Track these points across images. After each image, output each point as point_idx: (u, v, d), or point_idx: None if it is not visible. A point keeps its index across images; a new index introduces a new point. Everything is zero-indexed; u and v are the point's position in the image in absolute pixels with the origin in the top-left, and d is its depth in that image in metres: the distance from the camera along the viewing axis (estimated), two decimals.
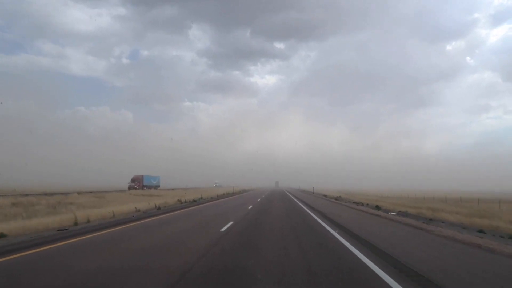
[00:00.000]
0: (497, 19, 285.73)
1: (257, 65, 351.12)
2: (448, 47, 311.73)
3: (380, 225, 16.12)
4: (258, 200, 38.63)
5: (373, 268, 7.22)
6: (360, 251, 9.00)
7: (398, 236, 12.83)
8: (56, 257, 8.57)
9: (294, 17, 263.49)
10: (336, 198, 46.55)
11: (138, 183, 74.28)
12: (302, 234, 12.50)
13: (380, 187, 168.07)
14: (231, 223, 15.08)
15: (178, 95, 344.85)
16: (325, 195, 58.54)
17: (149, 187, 77.93)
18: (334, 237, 11.74)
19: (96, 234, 12.11)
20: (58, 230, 13.00)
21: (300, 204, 32.05)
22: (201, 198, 39.81)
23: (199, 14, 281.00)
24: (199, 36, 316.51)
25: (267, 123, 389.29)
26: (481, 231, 14.19)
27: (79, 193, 41.52)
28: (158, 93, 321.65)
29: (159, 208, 24.78)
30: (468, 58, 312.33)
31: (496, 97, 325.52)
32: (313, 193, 76.71)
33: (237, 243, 10.37)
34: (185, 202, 32.76)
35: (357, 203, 35.70)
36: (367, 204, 33.54)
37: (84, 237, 11.40)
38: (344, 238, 11.35)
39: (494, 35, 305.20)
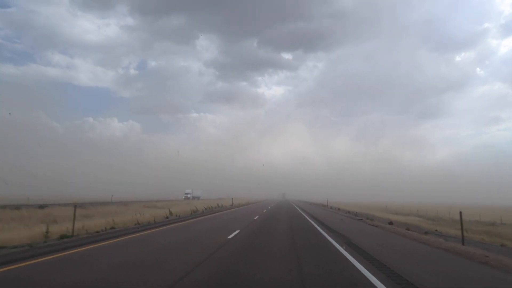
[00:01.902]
0: (508, 29, 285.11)
1: (264, 75, 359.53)
2: (458, 58, 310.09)
3: None
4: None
5: None
6: None
7: None
8: None
9: (302, 28, 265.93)
10: None
11: None
12: None
13: (392, 199, 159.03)
14: None
15: (185, 106, 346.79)
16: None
17: None
18: None
19: None
20: None
21: None
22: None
23: (207, 24, 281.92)
24: (207, 46, 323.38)
25: (274, 134, 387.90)
26: None
27: None
28: (165, 103, 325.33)
29: None
30: (478, 69, 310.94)
31: (507, 108, 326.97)
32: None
33: None
34: None
35: None
36: None
37: None
38: None
39: (505, 46, 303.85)
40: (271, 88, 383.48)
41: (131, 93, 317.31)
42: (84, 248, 10.45)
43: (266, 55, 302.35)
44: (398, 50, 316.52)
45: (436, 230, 24.05)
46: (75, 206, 16.37)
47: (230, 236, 13.63)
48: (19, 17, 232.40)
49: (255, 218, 25.86)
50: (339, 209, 49.30)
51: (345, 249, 10.82)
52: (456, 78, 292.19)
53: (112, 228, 16.58)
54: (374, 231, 18.16)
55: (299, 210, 43.53)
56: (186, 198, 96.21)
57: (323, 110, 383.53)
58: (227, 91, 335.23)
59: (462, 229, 13.73)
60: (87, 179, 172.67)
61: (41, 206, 32.72)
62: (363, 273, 7.50)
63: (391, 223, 25.01)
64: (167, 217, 24.70)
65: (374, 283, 6.74)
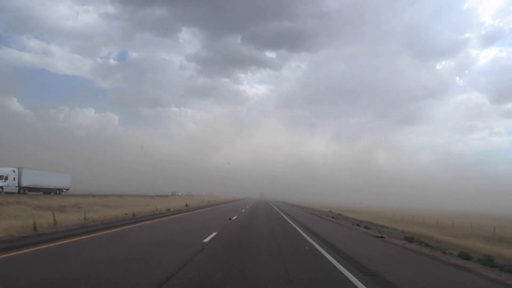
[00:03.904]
0: (488, 40, 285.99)
1: (247, 73, 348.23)
2: (438, 66, 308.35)
3: None
4: None
5: None
6: None
7: None
8: None
9: (286, 26, 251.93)
10: None
11: None
12: None
13: (365, 202, 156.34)
14: None
15: (166, 100, 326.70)
16: None
17: None
18: None
19: None
20: None
21: None
22: None
23: (190, 17, 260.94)
24: (189, 40, 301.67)
25: (255, 133, 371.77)
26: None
27: None
28: (145, 96, 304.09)
29: None
30: (457, 78, 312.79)
31: (483, 118, 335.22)
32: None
33: None
34: None
35: None
36: None
37: None
38: None
39: (484, 56, 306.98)
40: (253, 86, 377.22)
41: (110, 84, 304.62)
42: None
43: (249, 53, 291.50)
44: (380, 55, 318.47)
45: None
46: None
47: None
48: None
49: None
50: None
51: None
52: (435, 86, 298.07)
53: None
54: None
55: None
56: None
57: (304, 111, 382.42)
58: (209, 86, 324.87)
59: None
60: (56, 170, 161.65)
61: None
62: None
63: None
64: None
65: None
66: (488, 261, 11.13)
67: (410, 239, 17.61)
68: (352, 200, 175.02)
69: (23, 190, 45.36)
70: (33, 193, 45.46)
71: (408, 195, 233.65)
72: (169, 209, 32.23)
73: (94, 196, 43.89)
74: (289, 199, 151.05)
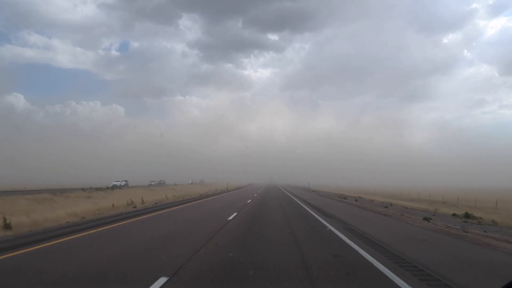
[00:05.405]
0: (496, 9, 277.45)
1: (250, 57, 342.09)
2: (445, 40, 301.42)
3: None
4: None
5: None
6: None
7: None
8: None
9: (288, 7, 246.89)
10: None
11: None
12: None
13: (373, 183, 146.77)
14: None
15: (170, 89, 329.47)
16: None
17: None
18: None
19: None
20: None
21: None
22: None
23: (189, 2, 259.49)
24: (190, 26, 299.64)
25: (261, 118, 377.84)
26: None
27: None
28: (149, 86, 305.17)
29: None
30: (465, 51, 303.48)
31: (492, 91, 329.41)
32: None
33: None
34: None
35: None
36: None
37: None
38: None
39: (492, 27, 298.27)
40: (257, 70, 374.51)
41: (114, 75, 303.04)
42: None
43: (252, 36, 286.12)
44: (385, 31, 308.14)
45: None
46: None
47: None
48: None
49: None
50: None
51: None
52: (442, 60, 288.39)
53: None
54: None
55: None
56: None
57: (309, 93, 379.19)
58: (212, 73, 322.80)
59: None
60: (69, 165, 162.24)
61: None
62: None
63: None
64: None
65: None
66: None
67: None
68: (367, 181, 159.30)
69: None
70: None
71: (418, 173, 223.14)
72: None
73: None
74: (311, 184, 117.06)
